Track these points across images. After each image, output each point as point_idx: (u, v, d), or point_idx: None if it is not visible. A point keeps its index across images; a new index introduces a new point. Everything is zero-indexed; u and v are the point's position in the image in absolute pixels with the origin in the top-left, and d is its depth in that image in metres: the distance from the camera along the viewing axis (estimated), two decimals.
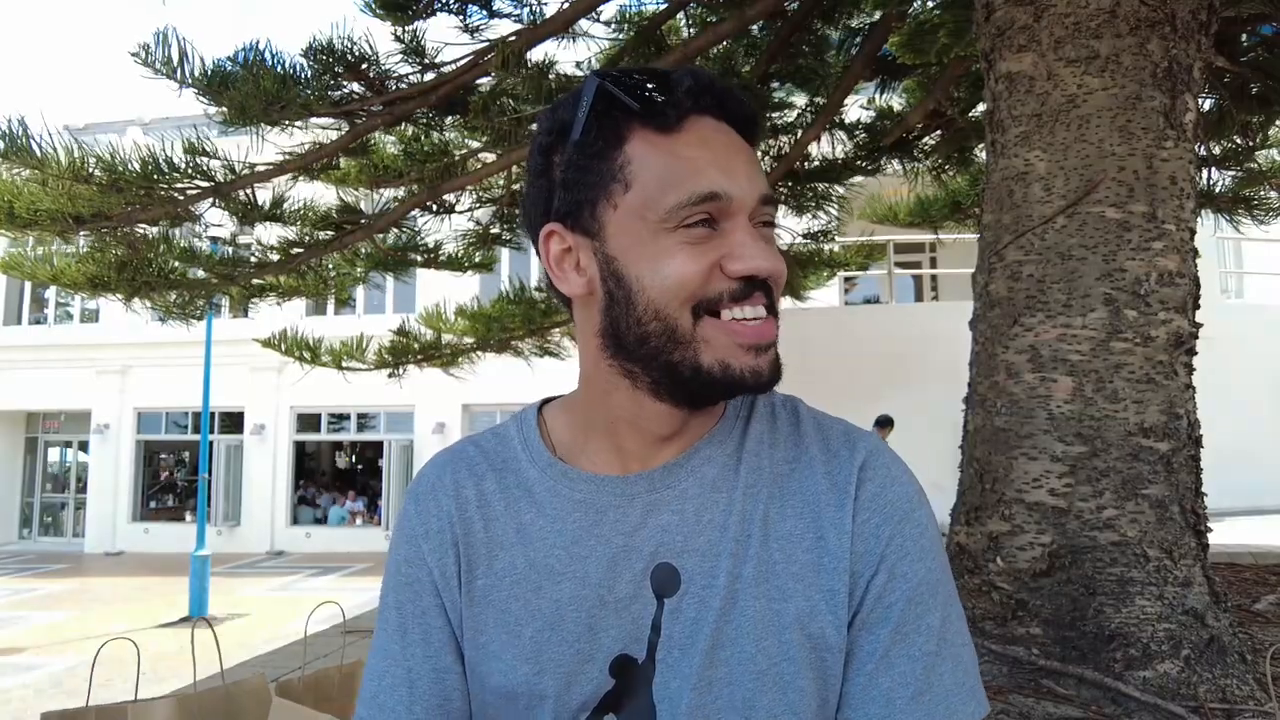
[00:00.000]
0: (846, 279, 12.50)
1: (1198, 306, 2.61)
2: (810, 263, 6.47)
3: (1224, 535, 6.19)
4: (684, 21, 4.86)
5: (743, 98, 0.66)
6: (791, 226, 6.31)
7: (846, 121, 5.38)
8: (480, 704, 0.68)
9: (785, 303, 7.18)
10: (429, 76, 4.28)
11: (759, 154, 5.54)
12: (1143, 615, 2.26)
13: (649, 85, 0.63)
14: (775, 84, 5.25)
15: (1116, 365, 2.43)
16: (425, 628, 0.69)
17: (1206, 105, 4.86)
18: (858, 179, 5.71)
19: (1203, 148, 5.24)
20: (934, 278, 13.56)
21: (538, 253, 0.69)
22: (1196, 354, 2.59)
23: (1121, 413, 2.41)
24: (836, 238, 7.09)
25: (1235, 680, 2.15)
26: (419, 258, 5.62)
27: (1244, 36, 4.62)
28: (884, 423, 7.34)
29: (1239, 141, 5.28)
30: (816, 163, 5.59)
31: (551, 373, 8.43)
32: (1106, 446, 2.39)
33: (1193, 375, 2.58)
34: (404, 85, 4.28)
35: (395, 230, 5.36)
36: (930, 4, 4.10)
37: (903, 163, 5.48)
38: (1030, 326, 2.53)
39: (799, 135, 5.23)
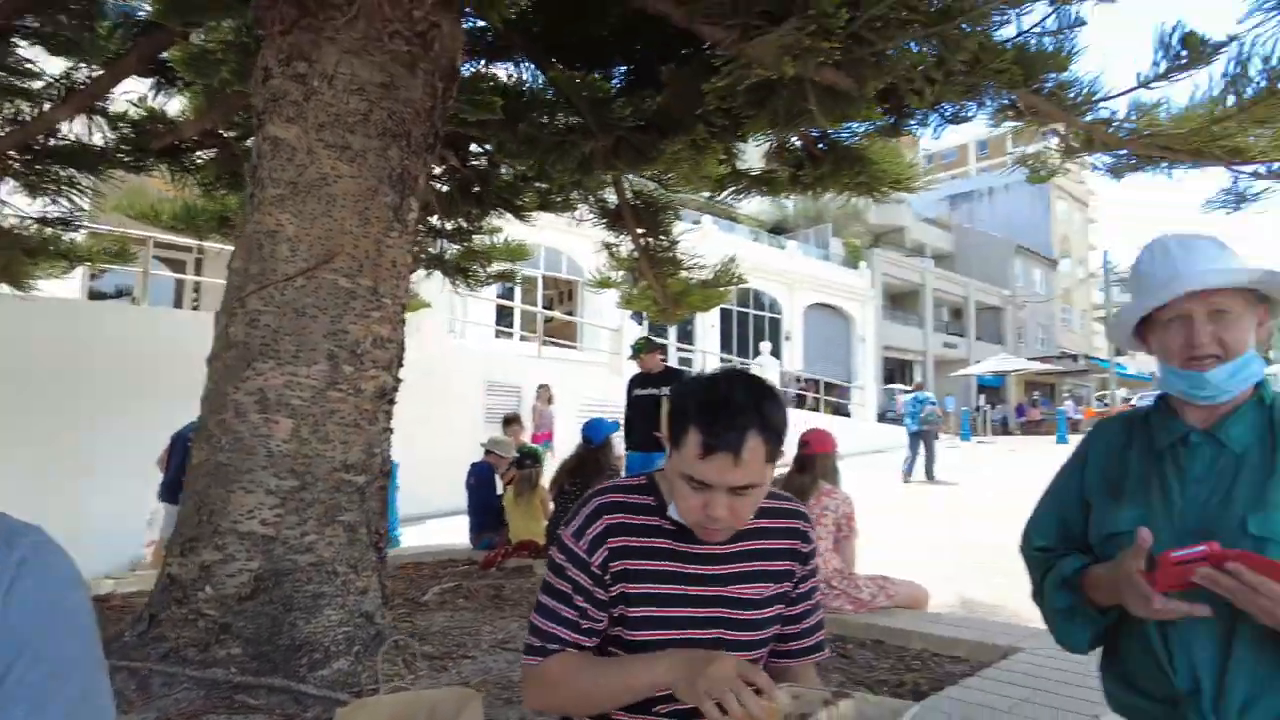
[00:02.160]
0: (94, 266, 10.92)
1: (401, 365, 3.27)
2: (43, 251, 5.58)
3: (421, 537, 7.49)
4: None
5: None
6: (22, 206, 5.36)
7: (111, 111, 4.89)
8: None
9: (4, 290, 5.93)
10: None
11: None
12: (328, 623, 2.72)
13: None
14: (22, 40, 4.45)
15: (331, 411, 2.87)
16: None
17: (445, 188, 5.97)
18: (118, 172, 5.22)
19: (440, 221, 6.42)
20: (198, 285, 12.94)
21: None
22: (396, 403, 3.24)
23: (331, 451, 2.86)
24: (82, 225, 6.26)
25: (388, 664, 2.76)
26: None
27: (474, 146, 5.85)
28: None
29: (463, 224, 6.62)
30: (67, 142, 4.92)
31: None
32: (315, 480, 2.81)
33: (391, 420, 3.21)
34: None
35: None
36: (218, 35, 4.09)
37: (172, 169, 5.24)
38: (261, 371, 2.80)
39: (46, 108, 4.55)
